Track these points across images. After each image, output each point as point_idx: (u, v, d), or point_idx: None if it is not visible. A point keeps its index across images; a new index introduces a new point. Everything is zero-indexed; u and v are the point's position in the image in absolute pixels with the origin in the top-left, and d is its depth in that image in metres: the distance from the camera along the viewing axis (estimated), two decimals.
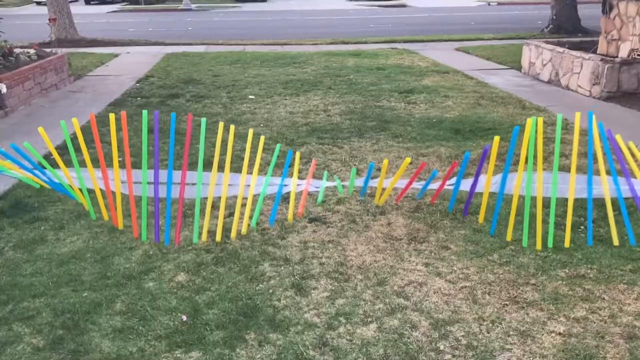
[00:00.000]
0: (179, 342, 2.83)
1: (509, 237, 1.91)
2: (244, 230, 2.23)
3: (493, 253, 3.66)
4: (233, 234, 2.30)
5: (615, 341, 2.80)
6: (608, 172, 1.87)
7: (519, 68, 10.56)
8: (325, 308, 3.11)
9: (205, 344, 2.81)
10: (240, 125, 6.94)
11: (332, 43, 15.15)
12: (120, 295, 3.23)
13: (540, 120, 1.60)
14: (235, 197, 2.22)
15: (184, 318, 3.01)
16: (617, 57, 9.00)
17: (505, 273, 3.43)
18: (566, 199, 1.87)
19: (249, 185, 2.16)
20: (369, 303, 3.15)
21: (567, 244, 1.93)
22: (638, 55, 8.83)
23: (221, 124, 2.05)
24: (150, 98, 8.54)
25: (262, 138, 2.12)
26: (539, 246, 2.05)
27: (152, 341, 2.83)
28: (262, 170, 4.64)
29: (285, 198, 2.28)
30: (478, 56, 12.38)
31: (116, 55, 13.03)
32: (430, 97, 8.33)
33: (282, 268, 3.52)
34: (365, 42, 15.16)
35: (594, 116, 1.76)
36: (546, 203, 2.03)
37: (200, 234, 3.19)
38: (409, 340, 2.83)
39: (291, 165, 4.27)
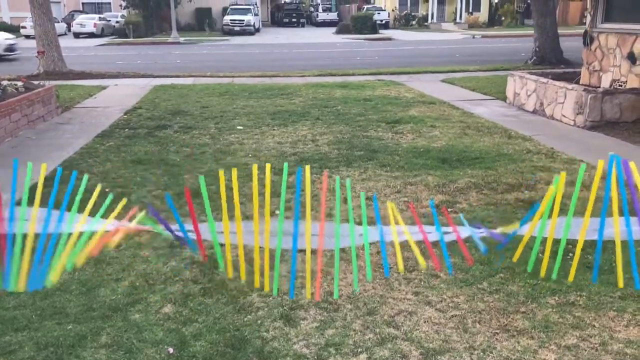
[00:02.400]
0: None
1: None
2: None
3: (482, 281, 3.65)
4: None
5: None
6: (622, 213, 1.87)
7: (504, 99, 10.72)
8: (314, 339, 3.07)
9: None
10: (229, 155, 6.95)
11: (319, 75, 15.32)
12: (105, 328, 3.17)
13: (563, 176, 1.60)
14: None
15: (171, 350, 2.95)
16: (599, 87, 9.19)
17: (495, 301, 3.41)
18: (576, 240, 1.88)
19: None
20: (359, 333, 3.12)
21: (570, 277, 1.93)
22: (619, 85, 9.02)
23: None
24: (138, 129, 8.54)
25: (269, 167, 1.81)
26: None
27: None
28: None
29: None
30: (463, 87, 12.56)
31: (104, 88, 13.07)
32: (417, 127, 8.41)
33: (271, 298, 3.48)
34: (353, 74, 15.35)
35: (614, 161, 1.75)
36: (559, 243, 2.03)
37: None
38: None
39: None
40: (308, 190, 1.56)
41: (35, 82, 10.06)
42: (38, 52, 14.90)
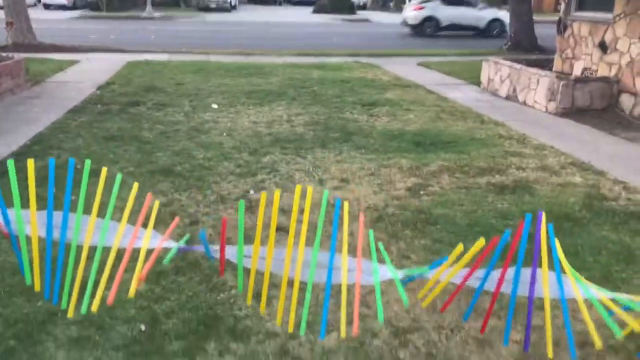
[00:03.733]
0: (137, 352, 2.78)
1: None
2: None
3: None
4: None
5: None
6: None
7: (479, 84, 10.82)
8: (286, 317, 3.10)
9: (165, 354, 2.76)
10: (203, 134, 6.89)
11: (296, 55, 15.22)
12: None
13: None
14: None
15: (143, 328, 2.96)
16: (571, 74, 9.34)
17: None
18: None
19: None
20: (330, 312, 3.16)
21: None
22: (591, 73, 9.18)
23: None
24: (110, 105, 8.39)
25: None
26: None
27: (109, 351, 2.77)
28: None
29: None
30: (439, 71, 12.63)
31: (76, 62, 12.77)
32: (393, 110, 8.45)
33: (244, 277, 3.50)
34: (330, 55, 15.29)
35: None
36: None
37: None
38: (369, 349, 2.85)
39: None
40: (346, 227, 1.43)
41: (4, 54, 9.78)
42: (7, 23, 14.46)
